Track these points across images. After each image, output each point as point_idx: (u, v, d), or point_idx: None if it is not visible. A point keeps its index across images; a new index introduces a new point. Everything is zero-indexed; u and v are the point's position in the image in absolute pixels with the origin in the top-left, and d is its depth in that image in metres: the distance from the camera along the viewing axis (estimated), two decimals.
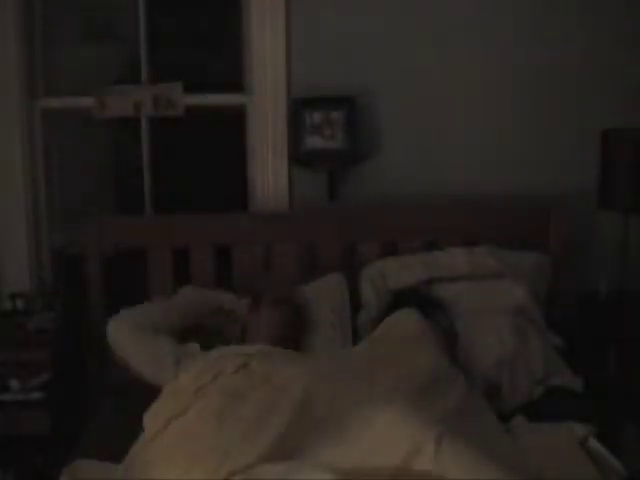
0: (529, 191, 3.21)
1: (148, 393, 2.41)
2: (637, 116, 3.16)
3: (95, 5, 3.95)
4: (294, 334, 2.68)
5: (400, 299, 2.69)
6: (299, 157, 3.18)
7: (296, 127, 3.15)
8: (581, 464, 2.11)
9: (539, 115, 3.24)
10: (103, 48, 3.97)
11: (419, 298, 2.71)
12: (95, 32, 3.96)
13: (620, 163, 2.99)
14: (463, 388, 2.25)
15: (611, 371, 3.02)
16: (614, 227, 3.13)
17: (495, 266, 2.91)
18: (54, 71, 3.37)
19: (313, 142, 3.15)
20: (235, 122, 3.34)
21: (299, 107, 3.15)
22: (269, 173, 3.21)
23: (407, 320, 2.53)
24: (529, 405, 2.57)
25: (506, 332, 2.68)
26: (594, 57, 3.22)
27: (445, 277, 2.88)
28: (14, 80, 3.13)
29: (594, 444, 2.21)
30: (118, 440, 2.26)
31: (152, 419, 2.23)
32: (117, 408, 2.63)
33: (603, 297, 3.15)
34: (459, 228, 3.05)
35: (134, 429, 2.26)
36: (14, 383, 2.89)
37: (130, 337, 2.59)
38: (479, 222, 3.06)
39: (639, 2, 3.20)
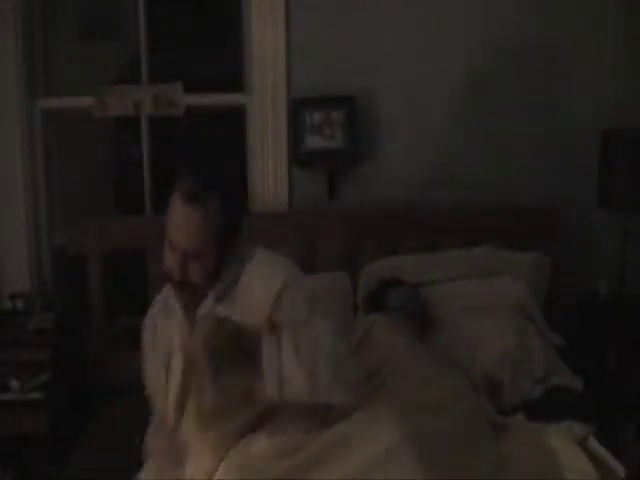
0: (529, 191, 3.21)
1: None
2: (637, 116, 3.16)
3: (95, 5, 3.96)
4: None
5: (371, 294, 2.76)
6: (299, 157, 3.18)
7: (296, 127, 3.15)
8: (580, 464, 2.11)
9: (539, 115, 3.24)
10: (103, 48, 3.98)
11: (384, 284, 2.76)
12: (95, 32, 3.97)
13: (620, 163, 2.99)
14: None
15: (611, 371, 3.02)
16: (614, 227, 3.13)
17: (495, 266, 2.91)
18: (54, 71, 3.37)
19: (313, 142, 3.15)
20: (235, 122, 3.34)
21: (299, 107, 3.14)
22: (269, 173, 3.21)
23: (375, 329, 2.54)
24: (529, 404, 2.56)
25: (506, 331, 2.68)
26: (594, 57, 3.22)
27: (445, 277, 2.88)
28: (14, 80, 3.14)
29: (594, 444, 2.21)
30: (118, 440, 2.26)
31: None
32: (117, 408, 2.63)
33: (603, 297, 3.15)
34: (459, 228, 3.06)
35: (134, 429, 2.25)
36: (14, 383, 2.89)
37: None
38: (479, 222, 3.06)
39: (639, 2, 3.20)
